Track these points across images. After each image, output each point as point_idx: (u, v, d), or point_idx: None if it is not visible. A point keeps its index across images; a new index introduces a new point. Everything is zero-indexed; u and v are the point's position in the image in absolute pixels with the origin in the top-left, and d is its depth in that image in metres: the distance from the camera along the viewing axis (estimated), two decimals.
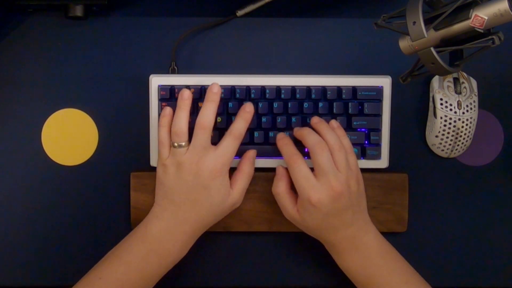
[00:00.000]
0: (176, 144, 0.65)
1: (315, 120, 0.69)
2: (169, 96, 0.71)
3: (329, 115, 0.71)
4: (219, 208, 0.67)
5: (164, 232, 0.66)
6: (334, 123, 0.70)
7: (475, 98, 0.72)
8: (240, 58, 0.75)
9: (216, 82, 0.68)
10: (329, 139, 0.66)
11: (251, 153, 0.70)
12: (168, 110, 0.68)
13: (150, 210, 0.68)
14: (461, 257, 0.76)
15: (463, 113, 0.71)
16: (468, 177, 0.76)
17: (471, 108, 0.72)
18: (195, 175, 0.64)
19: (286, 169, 0.68)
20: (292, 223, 0.69)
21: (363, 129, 0.72)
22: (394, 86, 0.73)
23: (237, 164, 0.70)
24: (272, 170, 0.71)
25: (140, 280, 0.66)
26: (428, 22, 0.56)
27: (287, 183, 0.68)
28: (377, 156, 0.72)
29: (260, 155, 0.71)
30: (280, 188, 0.68)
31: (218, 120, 0.71)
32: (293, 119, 0.71)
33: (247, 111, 0.68)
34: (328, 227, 0.66)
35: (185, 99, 0.67)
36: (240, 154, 0.70)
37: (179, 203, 0.65)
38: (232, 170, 0.69)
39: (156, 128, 0.71)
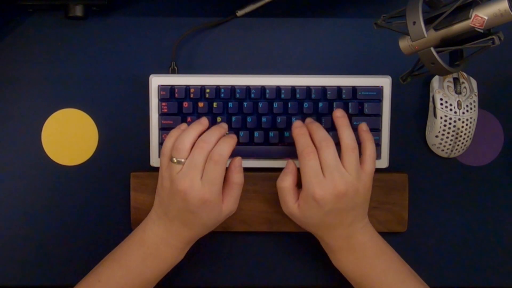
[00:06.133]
0: (175, 160, 0.63)
1: (338, 114, 0.67)
2: (169, 96, 0.71)
3: (329, 115, 0.71)
4: (213, 224, 0.67)
5: (161, 238, 0.66)
6: (364, 126, 0.68)
7: (475, 98, 0.72)
8: (240, 58, 0.75)
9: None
10: (345, 137, 0.65)
11: (236, 161, 0.67)
12: (184, 125, 0.67)
13: (149, 213, 0.68)
14: (461, 257, 0.76)
15: (463, 113, 0.71)
16: (468, 177, 0.76)
17: (471, 108, 0.72)
18: (184, 201, 0.63)
19: (295, 165, 0.68)
20: (290, 221, 0.69)
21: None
22: (394, 86, 0.73)
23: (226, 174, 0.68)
24: (272, 170, 0.71)
25: (139, 283, 0.66)
26: (428, 22, 0.56)
27: (294, 179, 0.67)
28: (377, 156, 0.72)
29: (260, 155, 0.71)
30: (286, 182, 0.67)
31: (218, 120, 0.71)
32: (293, 119, 0.71)
33: (231, 136, 0.66)
34: (326, 225, 0.66)
35: (202, 123, 0.66)
36: (235, 155, 0.70)
37: (171, 218, 0.65)
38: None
39: (156, 128, 0.71)
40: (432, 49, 0.55)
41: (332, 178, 0.63)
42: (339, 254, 0.67)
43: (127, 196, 0.74)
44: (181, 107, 0.71)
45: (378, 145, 0.72)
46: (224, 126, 0.68)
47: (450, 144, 0.73)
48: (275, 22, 0.75)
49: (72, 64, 0.75)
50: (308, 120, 0.69)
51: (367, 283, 0.66)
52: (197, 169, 0.62)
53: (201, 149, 0.63)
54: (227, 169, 0.66)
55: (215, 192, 0.63)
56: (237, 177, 0.67)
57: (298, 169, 0.67)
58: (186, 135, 0.64)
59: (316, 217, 0.65)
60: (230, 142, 0.65)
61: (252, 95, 0.71)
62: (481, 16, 0.54)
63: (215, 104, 0.71)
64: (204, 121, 0.67)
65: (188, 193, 0.62)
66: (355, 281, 0.67)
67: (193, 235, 0.67)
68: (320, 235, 0.68)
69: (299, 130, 0.67)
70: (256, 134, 0.71)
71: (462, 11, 0.55)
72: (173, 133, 0.66)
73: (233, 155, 0.70)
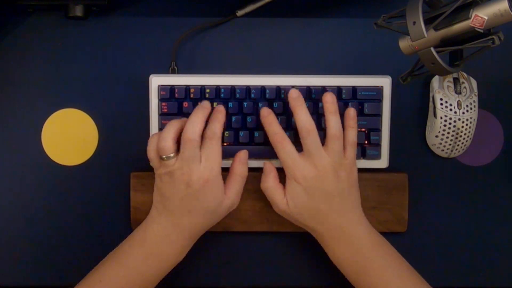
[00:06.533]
0: (164, 157, 0.64)
1: (328, 99, 0.67)
2: (169, 96, 0.71)
3: None
4: (215, 213, 0.67)
5: (162, 236, 0.66)
6: (352, 112, 0.68)
7: (475, 98, 0.72)
8: (240, 58, 0.75)
9: (206, 101, 0.67)
10: (331, 126, 0.66)
11: (242, 153, 0.70)
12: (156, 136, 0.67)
13: (149, 212, 0.68)
14: (461, 257, 0.76)
15: (463, 113, 0.71)
16: (468, 177, 0.76)
17: (471, 108, 0.72)
18: (187, 185, 0.64)
19: (272, 164, 0.69)
20: (289, 221, 0.69)
21: (363, 129, 0.72)
22: (394, 86, 0.73)
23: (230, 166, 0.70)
24: None
25: (140, 282, 0.66)
26: (428, 22, 0.56)
27: (274, 177, 0.69)
28: (377, 156, 0.72)
29: (260, 155, 0.71)
30: (268, 182, 0.68)
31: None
32: (293, 119, 0.71)
33: (218, 110, 0.67)
34: (316, 211, 0.66)
35: (178, 119, 0.66)
36: (233, 155, 0.70)
37: (173, 210, 0.65)
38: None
39: (156, 128, 0.71)
40: (432, 49, 0.56)
41: (312, 160, 0.65)
42: (334, 247, 0.67)
43: (127, 196, 0.74)
44: (181, 107, 0.71)
45: (378, 145, 0.72)
46: (206, 105, 0.67)
47: (450, 144, 0.73)
48: (275, 22, 0.75)
49: (72, 64, 0.75)
50: (294, 94, 0.67)
51: (364, 279, 0.66)
52: (193, 159, 0.63)
53: (190, 142, 0.63)
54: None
55: (215, 171, 0.64)
56: (240, 168, 0.69)
57: (278, 168, 0.69)
58: (165, 132, 0.64)
59: (303, 203, 0.66)
60: (218, 118, 0.66)
61: (252, 95, 0.71)
62: (481, 16, 0.54)
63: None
64: (182, 119, 0.67)
65: (190, 177, 0.63)
66: (352, 277, 0.67)
67: (195, 226, 0.66)
68: (314, 227, 0.67)
69: (267, 120, 0.68)
70: (256, 134, 0.71)
71: (462, 11, 0.55)
72: (153, 138, 0.66)
73: (235, 154, 0.71)
